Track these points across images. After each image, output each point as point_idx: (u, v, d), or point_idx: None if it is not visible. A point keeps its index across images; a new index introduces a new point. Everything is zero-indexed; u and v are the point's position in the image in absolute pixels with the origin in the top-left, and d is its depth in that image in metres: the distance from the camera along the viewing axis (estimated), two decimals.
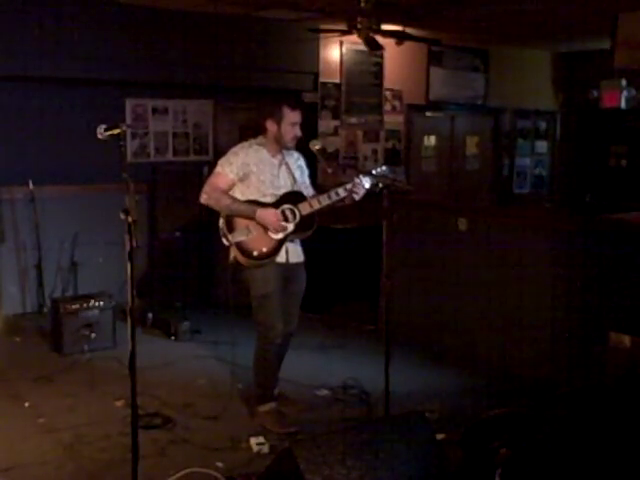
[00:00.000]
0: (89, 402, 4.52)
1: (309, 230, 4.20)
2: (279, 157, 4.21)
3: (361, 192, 4.10)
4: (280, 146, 4.19)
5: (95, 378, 4.89)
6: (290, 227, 4.12)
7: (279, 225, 4.08)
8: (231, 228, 4.08)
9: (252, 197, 4.11)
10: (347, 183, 4.14)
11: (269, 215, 4.06)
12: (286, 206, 4.12)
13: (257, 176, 4.11)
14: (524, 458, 3.21)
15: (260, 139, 4.21)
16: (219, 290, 6.93)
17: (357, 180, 4.09)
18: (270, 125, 4.15)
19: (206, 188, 4.12)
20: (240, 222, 4.08)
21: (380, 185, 4.02)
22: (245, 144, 4.21)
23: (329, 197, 4.12)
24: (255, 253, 4.07)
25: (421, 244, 5.83)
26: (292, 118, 4.13)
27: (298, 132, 4.17)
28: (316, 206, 4.13)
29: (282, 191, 4.17)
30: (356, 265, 6.58)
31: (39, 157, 6.40)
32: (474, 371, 5.20)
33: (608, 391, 4.21)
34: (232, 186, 4.12)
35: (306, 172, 4.38)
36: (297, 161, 4.33)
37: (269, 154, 4.18)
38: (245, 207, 4.07)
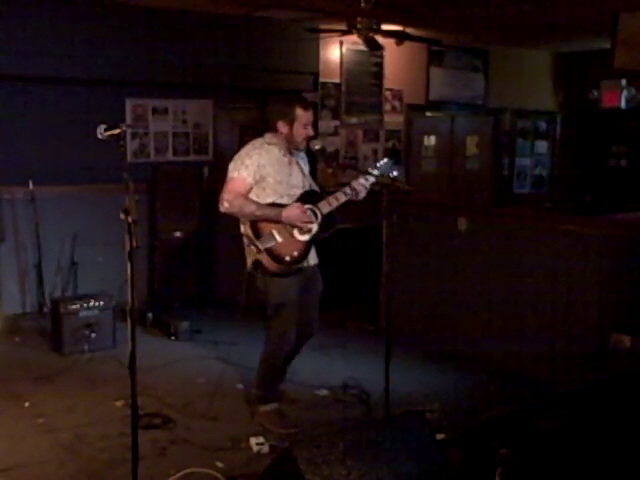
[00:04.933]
0: (89, 402, 4.52)
1: (331, 229, 4.13)
2: (289, 155, 4.13)
3: (363, 191, 4.08)
4: (291, 146, 4.11)
5: (95, 378, 4.90)
6: (315, 228, 4.05)
7: (307, 218, 3.98)
8: (258, 234, 3.95)
9: (269, 199, 4.01)
10: (353, 181, 4.11)
11: (295, 212, 3.95)
12: (307, 206, 4.04)
13: (273, 177, 4.02)
14: (524, 458, 3.21)
15: (270, 138, 4.11)
16: (219, 290, 6.94)
17: (361, 180, 4.07)
18: (282, 127, 4.06)
19: (226, 196, 3.96)
20: (264, 227, 3.96)
21: (376, 178, 4.02)
22: (256, 144, 4.09)
23: (345, 193, 4.06)
24: (287, 258, 3.97)
25: (421, 244, 5.83)
26: (305, 119, 4.04)
27: (310, 132, 4.09)
28: (334, 204, 4.07)
29: (296, 191, 4.10)
30: (356, 265, 6.58)
31: (39, 157, 6.39)
32: (474, 371, 5.20)
33: (608, 391, 4.21)
34: (250, 190, 4.00)
35: (308, 169, 4.31)
36: (303, 158, 4.26)
37: (280, 153, 4.09)
38: (270, 211, 3.95)
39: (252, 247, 3.99)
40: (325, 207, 4.07)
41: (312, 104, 4.31)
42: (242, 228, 4.03)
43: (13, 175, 6.24)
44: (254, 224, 3.97)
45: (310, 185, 4.20)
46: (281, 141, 4.10)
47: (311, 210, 4.05)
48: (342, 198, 4.07)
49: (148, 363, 4.73)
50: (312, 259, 4.19)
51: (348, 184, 4.11)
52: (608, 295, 4.68)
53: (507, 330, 5.25)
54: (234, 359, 5.20)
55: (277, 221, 3.96)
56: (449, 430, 3.88)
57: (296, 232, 4.01)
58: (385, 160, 4.12)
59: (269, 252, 3.95)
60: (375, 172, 4.07)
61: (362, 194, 4.09)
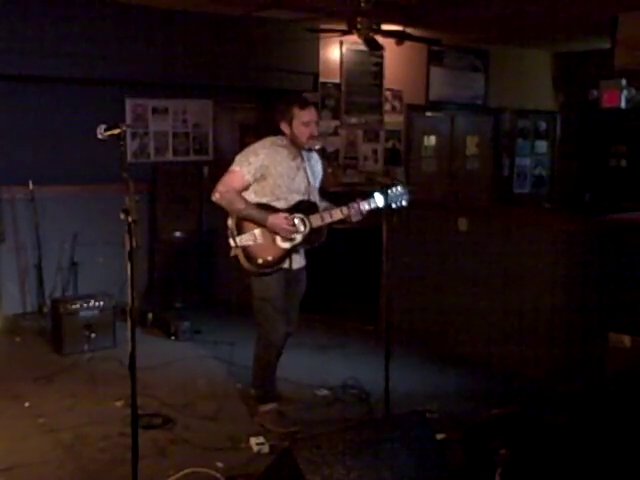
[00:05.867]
0: (89, 402, 4.52)
1: (316, 242, 4.10)
2: (298, 160, 4.09)
3: (359, 216, 4.03)
4: (298, 147, 4.07)
5: (95, 378, 4.90)
6: (298, 238, 4.04)
7: (290, 230, 3.98)
8: (240, 230, 3.99)
9: (265, 199, 4.01)
10: (355, 201, 4.03)
11: (280, 222, 3.95)
12: (298, 215, 4.03)
13: (274, 179, 4.00)
14: (524, 458, 3.21)
15: (282, 139, 4.09)
16: (219, 290, 6.94)
17: (363, 204, 4.01)
18: (284, 127, 4.06)
19: (220, 187, 4.00)
20: (248, 225, 3.99)
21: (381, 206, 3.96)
22: (266, 143, 4.07)
23: (342, 212, 4.03)
24: (260, 261, 3.98)
25: (421, 244, 5.83)
26: (303, 117, 4.01)
27: (314, 131, 4.06)
28: (327, 220, 4.04)
29: (295, 196, 4.07)
30: (356, 265, 6.58)
31: (39, 157, 6.40)
32: (474, 371, 5.20)
33: (608, 391, 4.21)
34: (247, 187, 4.01)
35: (319, 176, 4.27)
36: (315, 165, 4.22)
37: (289, 157, 4.05)
38: (257, 213, 3.97)
39: (230, 240, 4.01)
40: (317, 221, 4.04)
41: (313, 103, 4.27)
42: (229, 221, 4.05)
43: (13, 175, 6.24)
44: (240, 220, 4.00)
45: (312, 194, 4.15)
46: (289, 143, 4.08)
47: (301, 220, 4.03)
48: (337, 216, 4.04)
49: (148, 363, 4.73)
50: (296, 263, 4.15)
51: (348, 204, 4.04)
52: (608, 295, 4.68)
53: (507, 330, 5.25)
54: (234, 359, 5.20)
55: (261, 224, 3.98)
56: (449, 430, 3.88)
57: (278, 238, 4.02)
58: (399, 189, 3.91)
59: (244, 250, 3.99)
60: (380, 202, 3.95)
61: (357, 218, 4.05)
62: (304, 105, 4.07)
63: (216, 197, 4.02)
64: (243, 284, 4.18)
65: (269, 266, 4.02)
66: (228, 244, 4.10)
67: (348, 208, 4.03)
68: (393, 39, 7.04)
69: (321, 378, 4.91)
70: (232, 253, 4.08)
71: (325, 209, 4.11)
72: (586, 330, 4.78)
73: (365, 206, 4.02)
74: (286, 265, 4.09)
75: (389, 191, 3.88)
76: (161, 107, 7.11)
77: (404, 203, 3.92)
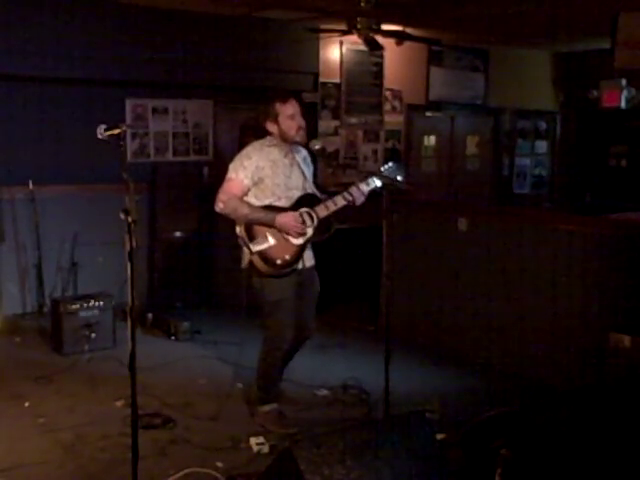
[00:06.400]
0: (89, 402, 4.52)
1: (327, 232, 4.10)
2: (290, 156, 4.10)
3: (362, 198, 4.05)
4: (289, 143, 4.08)
5: (95, 378, 4.90)
6: (309, 232, 4.04)
7: (300, 228, 3.98)
8: (251, 236, 3.96)
9: (267, 201, 4.01)
10: (354, 185, 4.06)
11: (289, 220, 3.96)
12: (303, 210, 4.03)
13: (272, 179, 4.01)
14: (524, 458, 3.21)
15: (270, 140, 4.10)
16: (219, 290, 6.94)
17: (362, 186, 4.04)
18: (270, 126, 4.07)
19: (221, 196, 3.98)
20: (258, 229, 3.97)
21: (380, 185, 3.99)
22: (256, 145, 4.09)
23: (344, 198, 4.04)
24: (279, 261, 3.97)
25: (421, 244, 5.83)
26: (287, 110, 4.02)
27: (301, 122, 4.06)
28: (332, 208, 4.05)
29: (295, 193, 4.08)
30: (356, 265, 6.58)
31: (39, 157, 6.39)
32: (474, 371, 5.20)
33: (608, 391, 4.21)
34: (247, 192, 4.01)
35: (312, 169, 4.28)
36: (305, 159, 4.23)
37: (281, 154, 4.07)
38: (264, 215, 3.96)
39: (244, 249, 3.99)
40: (322, 211, 4.05)
41: (294, 95, 4.23)
42: (237, 229, 4.03)
43: (13, 175, 6.24)
44: (248, 226, 3.98)
45: (310, 188, 4.18)
46: (279, 142, 4.08)
47: (308, 214, 4.04)
48: (340, 203, 4.05)
49: (148, 363, 4.73)
50: (308, 261, 4.17)
51: (348, 189, 4.07)
52: (608, 295, 4.68)
53: (507, 330, 5.25)
54: (234, 359, 5.20)
55: (270, 225, 3.97)
56: (449, 430, 3.88)
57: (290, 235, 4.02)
58: (390, 164, 4.04)
59: (260, 254, 3.96)
60: (377, 181, 4.00)
61: (360, 200, 4.06)
62: (285, 99, 4.08)
63: (220, 207, 4.00)
64: (242, 284, 4.17)
65: (288, 265, 4.01)
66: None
67: (350, 193, 4.04)
68: (393, 39, 7.05)
69: (321, 378, 4.91)
70: (245, 262, 4.07)
71: (327, 199, 4.12)
72: (586, 330, 4.78)
73: (364, 187, 4.05)
74: (299, 265, 4.08)
75: (382, 168, 4.00)
76: (161, 107, 7.11)
77: (400, 178, 3.96)
